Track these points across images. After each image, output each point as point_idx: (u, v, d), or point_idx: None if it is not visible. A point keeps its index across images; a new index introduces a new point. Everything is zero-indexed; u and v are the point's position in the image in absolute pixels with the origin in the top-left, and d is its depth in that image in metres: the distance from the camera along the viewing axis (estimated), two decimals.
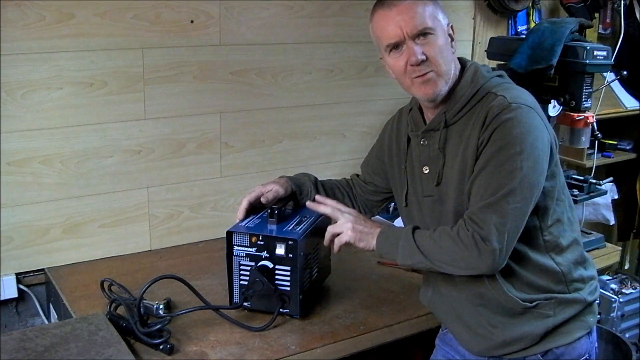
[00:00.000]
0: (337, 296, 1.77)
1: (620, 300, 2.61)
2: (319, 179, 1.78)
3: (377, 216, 2.08)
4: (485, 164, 1.33)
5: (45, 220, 1.89)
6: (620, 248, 2.50)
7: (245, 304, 1.61)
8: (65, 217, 1.92)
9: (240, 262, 1.59)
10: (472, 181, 1.36)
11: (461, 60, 1.48)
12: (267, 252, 1.57)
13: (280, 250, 1.55)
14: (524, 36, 2.10)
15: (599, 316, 1.86)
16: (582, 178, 2.26)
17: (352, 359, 1.59)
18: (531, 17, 2.78)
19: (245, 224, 1.62)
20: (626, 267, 3.31)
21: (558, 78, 1.97)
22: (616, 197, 2.94)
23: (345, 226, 1.49)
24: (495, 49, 2.19)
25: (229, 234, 1.59)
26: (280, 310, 1.58)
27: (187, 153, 2.09)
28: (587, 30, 2.12)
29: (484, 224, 1.30)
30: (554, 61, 1.89)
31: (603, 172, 3.01)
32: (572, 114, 1.99)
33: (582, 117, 1.98)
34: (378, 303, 1.74)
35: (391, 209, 2.26)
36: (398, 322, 1.65)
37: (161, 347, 1.44)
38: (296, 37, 2.21)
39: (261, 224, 1.62)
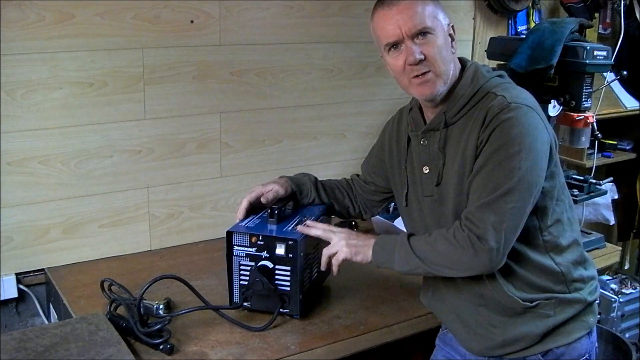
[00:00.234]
0: (337, 296, 1.77)
1: (620, 300, 2.61)
2: (319, 179, 1.79)
3: (377, 216, 2.08)
4: (484, 163, 1.33)
5: (45, 220, 1.89)
6: (620, 248, 2.50)
7: (245, 304, 1.61)
8: (65, 217, 1.92)
9: (240, 262, 1.59)
10: (470, 180, 1.36)
11: (461, 60, 1.48)
12: (267, 252, 1.57)
13: (280, 250, 1.55)
14: (524, 36, 2.10)
15: (599, 316, 1.86)
16: (582, 178, 2.25)
17: (352, 359, 1.59)
18: (531, 17, 2.78)
19: (245, 224, 1.62)
20: (626, 267, 3.31)
21: (558, 78, 1.97)
22: (616, 197, 2.94)
23: (340, 244, 1.50)
24: (495, 49, 2.19)
25: (229, 234, 1.59)
26: (280, 310, 1.58)
27: (187, 153, 2.09)
28: (587, 30, 2.12)
29: (481, 223, 1.30)
30: (554, 61, 1.89)
31: (603, 172, 3.01)
32: (572, 114, 1.99)
33: (582, 117, 1.98)
34: (378, 303, 1.74)
35: (391, 209, 2.26)
36: (398, 322, 1.65)
37: (161, 347, 1.44)
38: (296, 37, 2.21)
39: (261, 224, 1.62)
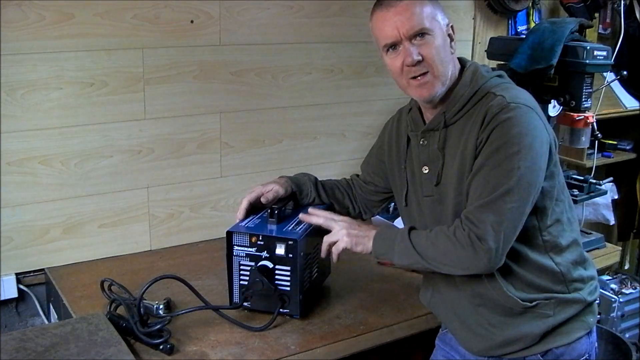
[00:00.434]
0: (337, 296, 1.77)
1: (620, 300, 2.61)
2: (319, 179, 1.79)
3: (377, 216, 2.08)
4: (483, 163, 1.33)
5: (45, 220, 1.89)
6: (620, 248, 2.50)
7: (245, 304, 1.61)
8: (65, 217, 1.92)
9: (240, 262, 1.59)
10: (470, 180, 1.36)
11: (461, 60, 1.48)
12: (267, 252, 1.57)
13: (280, 250, 1.55)
14: (524, 36, 2.10)
15: (599, 316, 1.86)
16: (582, 178, 2.25)
17: (352, 359, 1.59)
18: (531, 17, 2.78)
19: (245, 224, 1.62)
20: (626, 267, 3.31)
21: (558, 78, 1.97)
22: (616, 197, 2.94)
23: (341, 233, 1.50)
24: (495, 49, 2.19)
25: (229, 234, 1.59)
26: (280, 310, 1.58)
27: (187, 153, 2.09)
28: (587, 30, 2.12)
29: (480, 223, 1.30)
30: (554, 61, 1.89)
31: (603, 172, 3.01)
32: (572, 114, 1.99)
33: (582, 117, 1.98)
34: (378, 303, 1.74)
35: (391, 209, 2.26)
36: (398, 322, 1.65)
37: (161, 347, 1.44)
38: (296, 37, 2.21)
39: (261, 224, 1.62)
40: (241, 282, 1.60)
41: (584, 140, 2.06)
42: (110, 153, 1.95)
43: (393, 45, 1.39)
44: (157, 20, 1.94)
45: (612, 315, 2.60)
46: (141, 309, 1.49)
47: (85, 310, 1.63)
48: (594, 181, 2.23)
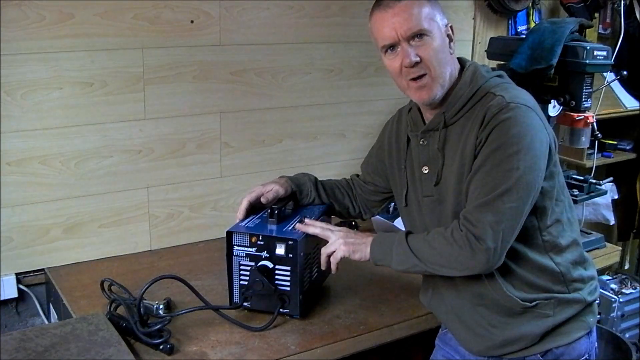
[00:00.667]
0: (337, 296, 1.77)
1: (620, 300, 2.61)
2: (319, 179, 1.79)
3: (377, 216, 2.08)
4: (483, 163, 1.33)
5: (45, 220, 1.89)
6: (620, 248, 2.50)
7: (245, 304, 1.61)
8: (65, 217, 1.92)
9: (240, 262, 1.59)
10: (469, 180, 1.36)
11: (461, 60, 1.48)
12: (267, 252, 1.57)
13: (280, 250, 1.55)
14: (524, 36, 2.09)
15: (599, 316, 1.86)
16: (582, 178, 2.25)
17: (352, 359, 1.59)
18: (531, 17, 2.78)
19: (245, 224, 1.62)
20: (626, 267, 3.31)
21: (558, 78, 1.97)
22: (616, 197, 2.94)
23: (337, 242, 1.51)
24: (495, 49, 2.19)
25: (229, 234, 1.59)
26: (280, 310, 1.58)
27: (187, 153, 2.09)
28: (587, 30, 2.12)
29: (479, 223, 1.30)
30: (554, 61, 1.89)
31: (603, 172, 3.01)
32: (572, 114, 1.99)
33: (582, 117, 1.98)
34: (378, 303, 1.74)
35: (391, 209, 2.26)
36: (398, 322, 1.65)
37: (161, 347, 1.44)
38: (296, 37, 2.21)
39: (261, 224, 1.62)
40: (241, 282, 1.60)
41: (584, 140, 2.06)
42: (110, 153, 1.95)
43: (391, 47, 1.39)
44: (157, 20, 1.94)
45: (612, 315, 2.60)
46: (141, 309, 1.49)
47: (85, 310, 1.63)
48: (594, 181, 2.23)
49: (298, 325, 1.60)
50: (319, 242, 1.61)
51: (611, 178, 2.51)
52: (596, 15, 2.83)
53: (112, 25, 1.86)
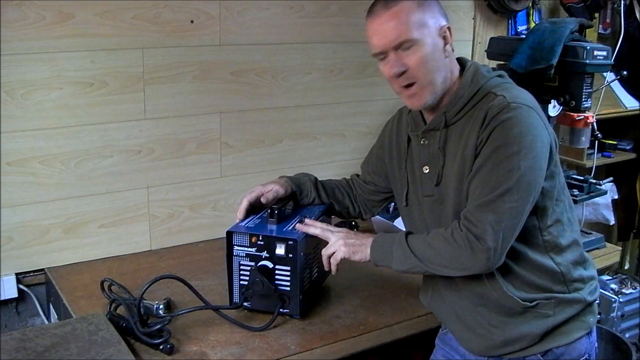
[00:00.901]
0: (337, 296, 1.77)
1: (620, 300, 2.61)
2: (319, 179, 1.79)
3: (377, 216, 2.08)
4: (483, 163, 1.33)
5: (45, 220, 1.89)
6: (620, 248, 2.50)
7: (245, 304, 1.61)
8: (65, 217, 1.92)
9: (240, 262, 1.59)
10: (470, 180, 1.36)
11: (461, 60, 1.47)
12: (267, 252, 1.57)
13: (280, 250, 1.55)
14: (524, 36, 2.10)
15: (599, 316, 1.86)
16: (582, 178, 2.25)
17: (352, 359, 1.59)
18: (531, 17, 2.78)
19: (245, 224, 1.62)
20: (626, 267, 3.31)
21: (558, 78, 1.97)
22: (616, 197, 2.95)
23: (338, 243, 1.51)
24: (495, 49, 2.19)
25: (229, 234, 1.59)
26: (280, 310, 1.58)
27: (187, 153, 2.09)
28: (587, 30, 2.12)
29: (479, 223, 1.30)
30: (554, 61, 1.89)
31: (603, 172, 3.01)
32: (572, 114, 1.99)
33: (582, 117, 1.98)
34: (378, 303, 1.74)
35: (391, 209, 2.26)
36: (398, 322, 1.65)
37: (161, 347, 1.44)
38: (296, 37, 2.21)
39: (261, 224, 1.62)
40: (241, 282, 1.60)
41: (584, 140, 2.06)
42: (110, 153, 1.95)
43: (381, 54, 1.39)
44: (157, 20, 1.94)
45: (612, 315, 2.60)
46: (141, 309, 1.49)
47: (85, 310, 1.63)
48: (594, 181, 2.23)
49: (298, 325, 1.60)
50: (319, 242, 1.61)
51: (611, 178, 2.51)
52: (596, 15, 2.83)
53: (112, 25, 1.86)
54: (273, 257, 1.56)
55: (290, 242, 1.55)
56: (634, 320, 2.70)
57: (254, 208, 1.68)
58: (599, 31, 2.99)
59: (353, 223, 2.15)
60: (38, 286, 1.93)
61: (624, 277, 2.82)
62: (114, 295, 1.62)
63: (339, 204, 1.79)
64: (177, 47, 1.99)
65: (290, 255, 1.55)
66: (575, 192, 2.17)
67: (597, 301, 1.51)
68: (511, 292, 1.40)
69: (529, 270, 1.41)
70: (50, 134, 1.85)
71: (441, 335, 1.64)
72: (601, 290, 2.30)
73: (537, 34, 1.97)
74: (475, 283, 1.42)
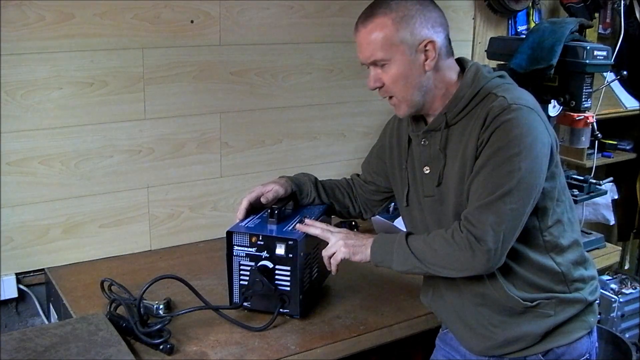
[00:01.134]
0: (337, 296, 1.77)
1: (620, 300, 2.61)
2: (319, 179, 1.79)
3: (377, 216, 2.08)
4: (484, 164, 1.33)
5: (45, 220, 1.89)
6: (620, 248, 2.50)
7: (245, 304, 1.61)
8: (65, 217, 1.92)
9: (240, 262, 1.59)
10: (470, 181, 1.36)
11: (462, 61, 1.47)
12: (267, 252, 1.57)
13: (280, 250, 1.55)
14: (524, 36, 2.10)
15: (599, 316, 1.86)
16: (582, 178, 2.26)
17: (352, 359, 1.59)
18: (531, 17, 2.78)
19: (245, 224, 1.62)
20: (626, 267, 3.31)
21: (558, 78, 1.97)
22: (616, 197, 2.95)
23: (338, 244, 1.51)
24: (495, 49, 2.19)
25: (229, 234, 1.59)
26: (280, 310, 1.58)
27: (187, 153, 2.09)
28: (587, 30, 2.12)
29: (480, 224, 1.30)
30: (554, 61, 1.89)
31: (603, 172, 3.01)
32: (572, 114, 1.99)
33: (582, 117, 1.98)
34: (378, 303, 1.74)
35: (391, 209, 2.26)
36: (398, 322, 1.65)
37: (161, 347, 1.44)
38: (296, 37, 2.21)
39: (261, 224, 1.62)
40: (241, 282, 1.60)
41: (584, 140, 2.06)
42: (110, 153, 1.95)
43: (365, 64, 1.43)
44: (157, 20, 1.93)
45: (612, 315, 2.60)
46: (141, 309, 1.49)
47: (85, 310, 1.63)
48: (594, 181, 2.24)
49: (298, 325, 1.60)
50: (319, 242, 1.61)
51: (611, 178, 2.51)
52: (596, 15, 2.83)
53: (112, 25, 1.86)
54: (273, 257, 1.56)
55: (290, 242, 1.55)
56: (634, 320, 2.70)
57: (254, 208, 1.68)
58: (599, 31, 2.99)
59: (353, 223, 2.16)
60: (38, 286, 1.93)
61: (624, 277, 2.82)
62: (114, 295, 1.62)
63: (339, 204, 1.79)
64: (177, 47, 1.99)
65: (290, 255, 1.55)
66: (576, 192, 2.17)
67: (597, 301, 1.51)
68: (512, 292, 1.40)
69: (530, 271, 1.41)
70: (50, 134, 1.85)
71: (441, 335, 1.64)
72: (601, 290, 2.29)
73: (537, 34, 1.97)
74: (476, 283, 1.42)
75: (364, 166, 1.78)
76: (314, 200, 1.75)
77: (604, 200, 2.75)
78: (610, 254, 2.27)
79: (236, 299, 1.61)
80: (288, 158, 2.30)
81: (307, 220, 1.61)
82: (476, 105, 1.39)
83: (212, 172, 2.16)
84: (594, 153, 2.77)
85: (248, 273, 1.57)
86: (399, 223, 2.03)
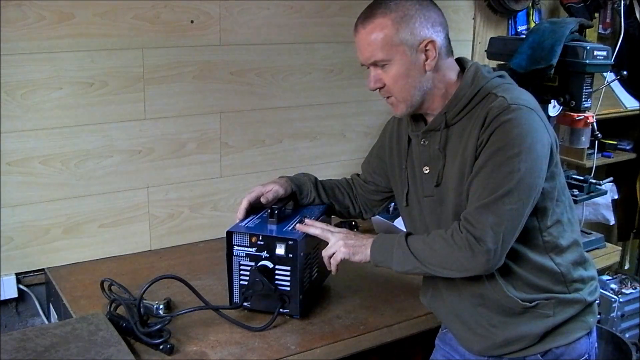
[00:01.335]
0: (337, 296, 1.77)
1: (620, 300, 2.61)
2: (319, 179, 1.79)
3: (377, 216, 2.08)
4: (484, 164, 1.33)
5: (45, 220, 1.89)
6: (620, 248, 2.50)
7: (245, 304, 1.61)
8: (65, 217, 1.92)
9: (240, 262, 1.59)
10: (470, 181, 1.36)
11: (462, 61, 1.47)
12: (267, 252, 1.57)
13: (280, 250, 1.55)
14: (524, 36, 2.10)
15: (599, 316, 1.86)
16: (582, 178, 2.26)
17: (352, 359, 1.59)
18: (531, 17, 2.78)
19: (245, 224, 1.62)
20: (626, 267, 3.31)
21: (558, 78, 1.97)
22: (616, 197, 2.94)
23: (337, 244, 1.51)
24: (495, 49, 2.19)
25: (229, 234, 1.59)
26: (280, 310, 1.58)
27: (187, 153, 2.09)
28: (587, 30, 2.12)
29: (479, 224, 1.30)
30: (554, 61, 1.89)
31: (603, 172, 3.01)
32: (572, 114, 1.99)
33: (582, 117, 1.98)
34: (378, 303, 1.74)
35: (391, 209, 2.26)
36: (398, 322, 1.65)
37: (161, 347, 1.44)
38: (296, 37, 2.21)
39: (261, 224, 1.62)
40: (241, 282, 1.60)
41: (584, 140, 2.06)
42: (110, 153, 1.95)
43: (365, 65, 1.43)
44: (157, 20, 1.94)
45: (612, 315, 2.60)
46: (141, 309, 1.49)
47: (85, 310, 1.63)
48: (594, 181, 2.24)
49: (298, 325, 1.60)
50: (319, 242, 1.61)
51: (611, 178, 2.51)
52: (596, 15, 2.83)
53: (112, 25, 1.86)
54: (273, 257, 1.56)
55: (290, 242, 1.55)
56: (634, 320, 2.70)
57: (254, 208, 1.68)
58: (599, 31, 2.99)
59: (353, 223, 2.16)
60: (38, 286, 1.93)
61: (624, 277, 2.82)
62: (114, 295, 1.62)
63: (339, 204, 1.79)
64: (177, 47, 1.99)
65: (290, 255, 1.55)
66: (575, 192, 2.17)
67: (597, 301, 1.51)
68: (511, 293, 1.40)
69: (529, 271, 1.41)
70: (50, 134, 1.85)
71: (441, 335, 1.64)
72: (601, 290, 2.30)
73: (537, 34, 1.97)
74: (475, 283, 1.42)
75: (363, 166, 1.78)
76: (313, 200, 1.75)
77: (604, 200, 2.75)
78: (610, 254, 2.27)
79: (236, 299, 1.61)
80: (288, 158, 2.30)
81: (307, 220, 1.61)
82: (476, 105, 1.39)
83: (212, 172, 2.16)
84: (594, 153, 2.77)
85: (248, 273, 1.57)
86: (399, 223, 2.03)
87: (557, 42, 1.91)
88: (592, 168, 2.65)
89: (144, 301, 1.53)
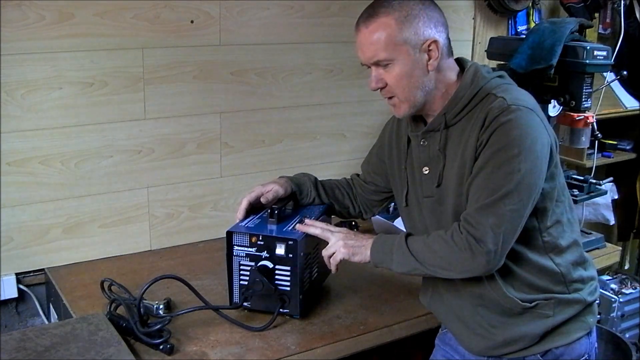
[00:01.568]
0: (337, 296, 1.77)
1: (620, 300, 2.61)
2: (319, 179, 1.79)
3: (377, 216, 2.08)
4: (483, 165, 1.33)
5: (45, 220, 1.89)
6: (620, 248, 2.50)
7: (245, 304, 1.61)
8: (65, 217, 1.92)
9: (240, 262, 1.59)
10: (470, 182, 1.36)
11: (461, 61, 1.47)
12: (267, 252, 1.57)
13: (280, 250, 1.55)
14: (524, 36, 2.09)
15: (599, 316, 1.87)
16: (582, 178, 2.25)
17: (352, 359, 1.59)
18: (531, 17, 2.78)
19: (245, 224, 1.62)
20: (626, 267, 3.31)
21: (558, 78, 1.97)
22: (616, 197, 2.94)
23: (337, 244, 1.51)
24: (495, 49, 2.19)
25: (229, 234, 1.59)
26: (280, 310, 1.58)
27: (187, 153, 2.09)
28: (587, 30, 2.12)
29: (479, 225, 1.30)
30: (554, 61, 1.89)
31: (603, 172, 3.01)
32: (572, 114, 1.99)
33: (582, 117, 1.98)
34: (378, 303, 1.74)
35: (391, 209, 2.26)
36: (398, 322, 1.65)
37: (161, 347, 1.44)
38: (296, 37, 2.21)
39: (261, 224, 1.62)
40: (241, 282, 1.60)
41: (584, 140, 2.06)
42: (110, 153, 1.95)
43: (366, 65, 1.43)
44: (157, 20, 1.94)
45: (612, 315, 2.60)
46: (141, 309, 1.49)
47: (85, 310, 1.63)
48: (594, 181, 2.23)
49: (298, 325, 1.60)
50: (319, 242, 1.61)
51: (611, 178, 2.51)
52: (596, 15, 2.83)
53: (112, 25, 1.86)
54: (273, 257, 1.56)
55: (290, 242, 1.55)
56: (634, 320, 2.70)
57: (254, 208, 1.68)
58: (599, 31, 2.99)
59: (353, 223, 2.15)
60: (38, 286, 1.93)
61: (624, 277, 2.82)
62: (114, 295, 1.62)
63: (339, 204, 1.79)
64: (177, 47, 1.99)
65: (290, 255, 1.55)
66: (575, 192, 2.17)
67: (597, 301, 1.51)
68: (511, 293, 1.40)
69: (529, 271, 1.41)
70: (50, 134, 1.85)
71: (441, 335, 1.64)
72: (601, 290, 2.31)
73: (537, 34, 1.97)
74: (474, 284, 1.42)
75: (363, 166, 1.78)
76: (313, 200, 1.75)
77: (604, 200, 2.75)
78: (610, 254, 2.27)
79: (236, 299, 1.62)
80: (288, 158, 2.30)
81: (307, 220, 1.61)
82: (475, 106, 1.39)
83: (212, 172, 2.16)
84: (594, 153, 2.77)
85: (248, 273, 1.57)
86: (399, 223, 2.03)
87: (557, 42, 1.91)
88: (592, 168, 2.65)
89: (144, 301, 1.53)
